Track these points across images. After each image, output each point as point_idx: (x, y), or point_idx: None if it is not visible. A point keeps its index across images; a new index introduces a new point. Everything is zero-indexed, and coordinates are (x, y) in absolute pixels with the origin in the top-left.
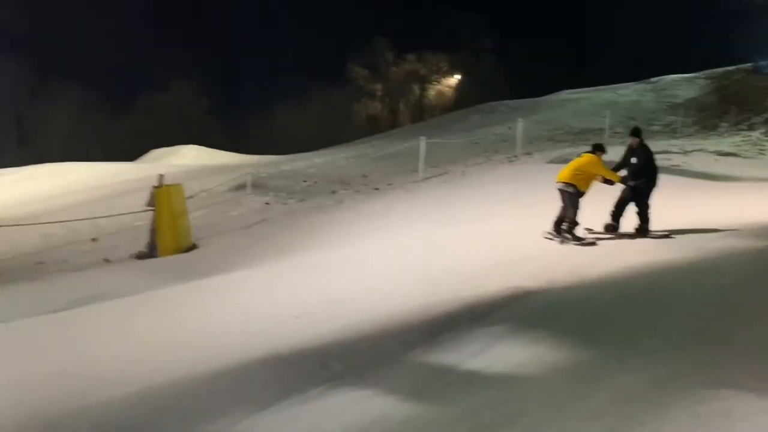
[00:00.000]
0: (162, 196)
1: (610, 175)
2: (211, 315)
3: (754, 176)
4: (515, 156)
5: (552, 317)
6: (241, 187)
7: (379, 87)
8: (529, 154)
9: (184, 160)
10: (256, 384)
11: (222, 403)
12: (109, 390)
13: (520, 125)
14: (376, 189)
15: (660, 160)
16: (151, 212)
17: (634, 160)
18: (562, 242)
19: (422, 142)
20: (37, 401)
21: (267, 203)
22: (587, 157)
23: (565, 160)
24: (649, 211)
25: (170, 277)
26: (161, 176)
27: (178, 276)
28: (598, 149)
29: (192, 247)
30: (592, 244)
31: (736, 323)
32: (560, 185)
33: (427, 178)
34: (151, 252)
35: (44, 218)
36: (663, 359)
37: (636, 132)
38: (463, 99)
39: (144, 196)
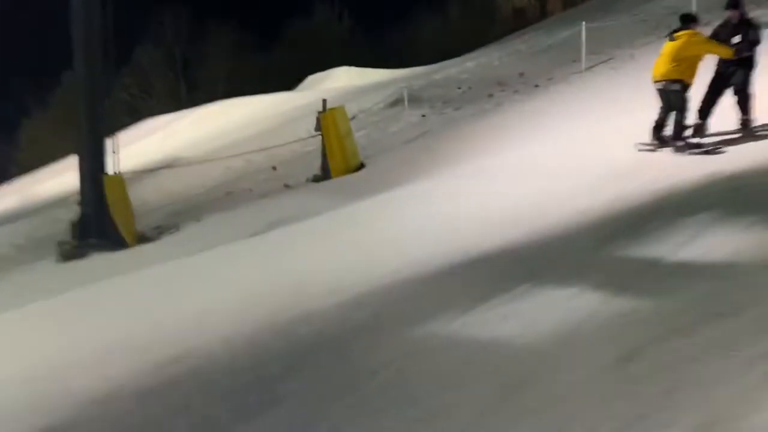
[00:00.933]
0: (328, 119)
1: (722, 52)
2: (403, 225)
3: None
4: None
5: (762, 201)
6: (396, 102)
7: None
8: (708, 24)
9: (337, 83)
10: (461, 285)
11: (433, 303)
12: (323, 299)
13: None
14: (536, 86)
15: None
16: (320, 137)
17: (736, 38)
18: (675, 151)
19: (582, 28)
20: (262, 312)
21: (424, 115)
22: (684, 37)
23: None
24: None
25: (348, 196)
26: (324, 101)
27: (356, 194)
28: (691, 21)
29: (361, 167)
30: (717, 149)
31: None
32: (661, 84)
33: (590, 67)
34: (325, 174)
35: (224, 153)
36: None
37: (736, 3)
38: None
39: (309, 123)
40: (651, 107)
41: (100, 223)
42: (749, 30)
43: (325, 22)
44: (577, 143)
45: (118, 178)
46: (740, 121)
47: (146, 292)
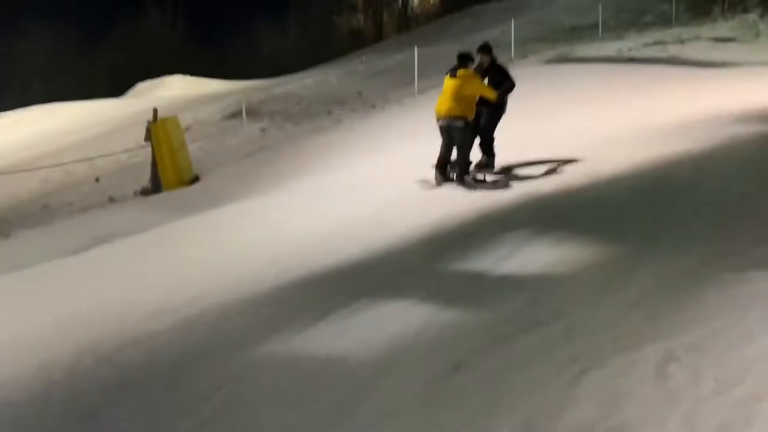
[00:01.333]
0: (159, 130)
1: (490, 94)
2: (235, 243)
3: (753, 61)
4: (510, 59)
5: (570, 217)
6: (234, 114)
7: None
8: (524, 56)
9: (170, 91)
10: (298, 303)
11: (270, 322)
12: (153, 322)
13: (512, 27)
14: (373, 106)
15: (656, 51)
16: (150, 148)
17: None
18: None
19: (415, 52)
20: (83, 338)
21: (263, 129)
22: (463, 76)
23: (559, 59)
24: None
25: (180, 211)
26: (155, 110)
27: (187, 209)
28: (469, 60)
29: (195, 180)
30: (506, 185)
31: (752, 212)
32: (444, 121)
33: (424, 91)
34: (154, 188)
35: (40, 162)
36: (689, 251)
37: (486, 48)
38: (449, 3)
39: (138, 132)
40: None
41: None
42: (504, 75)
43: (159, 28)
44: (409, 163)
45: None
46: (480, 162)
47: None
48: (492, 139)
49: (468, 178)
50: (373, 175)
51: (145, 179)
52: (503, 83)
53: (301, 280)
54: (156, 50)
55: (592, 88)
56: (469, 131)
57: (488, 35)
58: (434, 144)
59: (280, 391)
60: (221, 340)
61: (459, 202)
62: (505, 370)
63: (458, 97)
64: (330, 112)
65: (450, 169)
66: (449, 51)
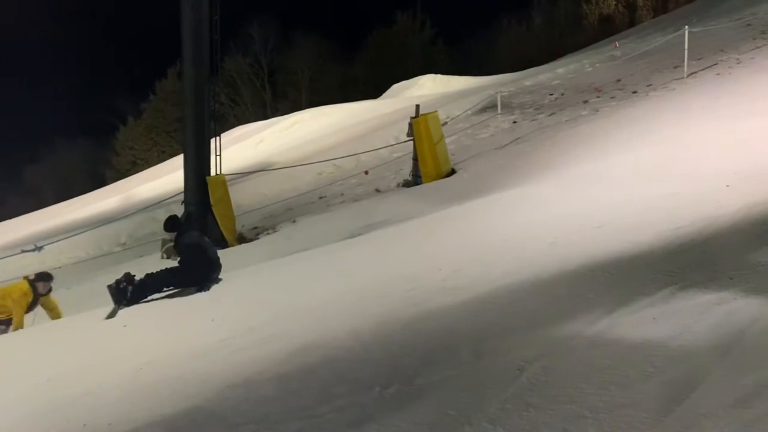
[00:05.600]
0: (420, 125)
1: None
2: (506, 229)
3: None
4: None
5: None
6: (485, 109)
7: None
8: None
9: (423, 90)
10: (593, 289)
11: (561, 305)
12: (442, 297)
13: None
14: (635, 92)
15: None
16: (411, 142)
17: None
18: None
19: (685, 32)
20: (382, 308)
21: (515, 122)
22: None
23: None
24: None
25: (443, 200)
26: (418, 106)
27: (449, 198)
28: None
29: (451, 172)
30: None
31: None
32: None
33: (693, 73)
34: (415, 179)
35: (314, 158)
36: None
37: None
38: None
39: (396, 130)
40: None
41: (202, 222)
42: None
43: (407, 31)
44: (687, 149)
45: (221, 178)
46: None
47: (258, 287)
48: None
49: None
50: (643, 163)
51: (405, 172)
52: None
53: (583, 266)
54: (406, 53)
55: None
56: None
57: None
58: (718, 129)
59: (597, 369)
60: (516, 319)
61: None
62: None
63: None
64: (586, 101)
65: None
66: (723, 29)
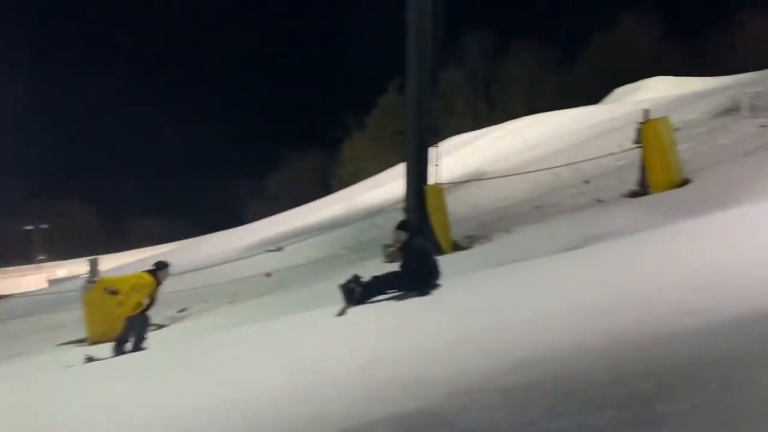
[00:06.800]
0: (649, 131)
1: None
2: (754, 251)
3: None
4: None
5: None
6: (725, 112)
7: None
8: None
9: (650, 93)
10: None
11: None
12: (676, 322)
13: None
14: None
15: None
16: (637, 150)
17: None
18: None
19: None
20: (610, 326)
21: (763, 126)
22: None
23: None
24: None
25: (673, 213)
26: (646, 111)
27: (680, 211)
28: None
29: (684, 182)
30: None
31: None
32: None
33: None
34: (642, 189)
35: (530, 167)
36: None
37: None
38: None
39: (620, 136)
40: None
41: (420, 230)
42: None
43: (633, 32)
44: None
45: (439, 188)
46: None
47: (475, 296)
48: None
49: None
50: None
51: (630, 182)
52: None
53: None
54: (631, 55)
55: None
56: None
57: None
58: None
59: None
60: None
61: None
62: None
63: None
64: None
65: None
66: None
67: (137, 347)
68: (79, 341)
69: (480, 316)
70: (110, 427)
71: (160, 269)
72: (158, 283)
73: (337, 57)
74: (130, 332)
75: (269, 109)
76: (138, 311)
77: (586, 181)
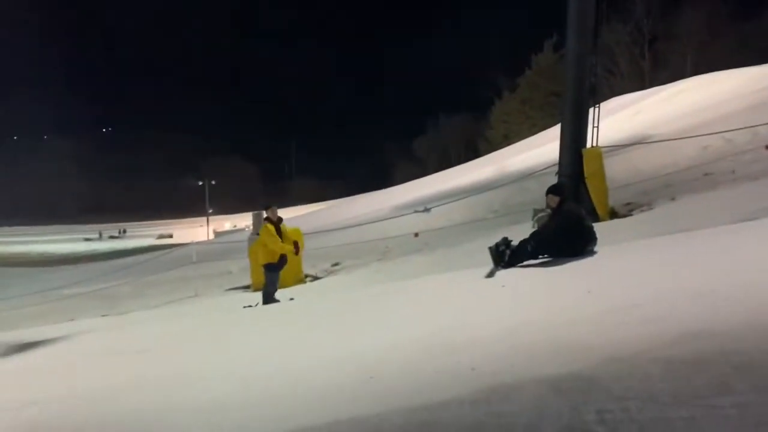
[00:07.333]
0: None
1: None
2: None
3: None
4: None
5: None
6: None
7: None
8: None
9: None
10: None
11: None
12: None
13: None
14: None
15: None
16: None
17: None
18: None
19: None
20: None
21: None
22: None
23: None
24: None
25: None
26: None
27: None
28: None
29: None
30: None
31: None
32: None
33: None
34: None
35: (700, 131)
36: None
37: None
38: None
39: None
40: None
41: (575, 194)
42: None
43: None
44: None
45: (597, 151)
46: None
47: (636, 264)
48: None
49: None
50: None
51: None
52: None
53: None
54: None
55: None
56: None
57: None
58: None
59: None
60: None
61: None
62: None
63: None
64: None
65: None
66: None
67: (267, 299)
68: (245, 287)
69: (642, 285)
70: (294, 360)
71: (266, 210)
72: (271, 222)
73: (491, 16)
74: (271, 281)
75: (420, 71)
76: (271, 260)
77: (767, 147)
